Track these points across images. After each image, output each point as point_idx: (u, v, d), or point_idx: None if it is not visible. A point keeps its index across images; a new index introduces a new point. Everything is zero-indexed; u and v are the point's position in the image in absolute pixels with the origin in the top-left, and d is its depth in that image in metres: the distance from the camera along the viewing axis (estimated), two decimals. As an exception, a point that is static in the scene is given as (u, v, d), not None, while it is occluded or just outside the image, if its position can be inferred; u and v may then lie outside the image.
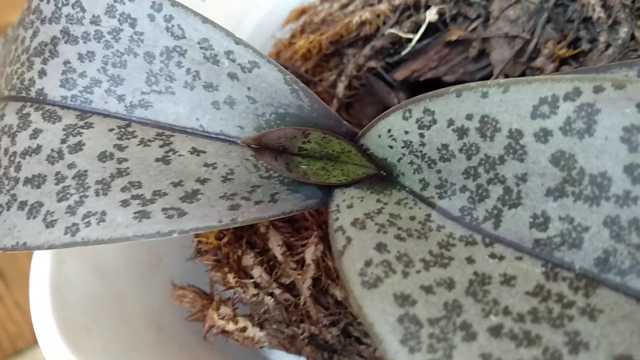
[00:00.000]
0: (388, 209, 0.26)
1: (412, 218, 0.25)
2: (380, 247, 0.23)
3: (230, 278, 0.33)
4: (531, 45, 0.34)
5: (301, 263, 0.34)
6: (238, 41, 0.28)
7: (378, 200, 0.27)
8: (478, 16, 0.36)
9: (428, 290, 0.21)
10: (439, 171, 0.25)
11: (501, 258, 0.22)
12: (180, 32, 0.28)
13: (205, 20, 0.28)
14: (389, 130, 0.27)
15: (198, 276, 0.37)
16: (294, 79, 0.28)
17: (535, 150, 0.21)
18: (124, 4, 0.29)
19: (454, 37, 0.36)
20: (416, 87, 0.41)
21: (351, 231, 0.24)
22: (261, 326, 0.33)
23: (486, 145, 0.23)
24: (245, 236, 0.35)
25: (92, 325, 0.32)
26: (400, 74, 0.39)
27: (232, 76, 0.29)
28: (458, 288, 0.21)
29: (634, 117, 0.19)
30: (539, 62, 0.34)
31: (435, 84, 0.39)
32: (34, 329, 0.30)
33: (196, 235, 0.35)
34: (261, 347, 0.32)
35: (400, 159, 0.27)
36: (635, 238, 0.19)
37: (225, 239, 0.34)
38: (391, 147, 0.27)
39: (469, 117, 0.23)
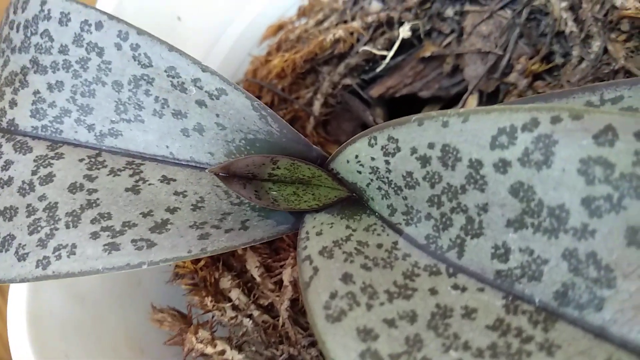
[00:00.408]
0: (357, 235, 0.26)
1: (380, 246, 0.25)
2: (346, 278, 0.23)
3: (208, 301, 0.33)
4: (504, 61, 0.34)
5: (279, 284, 0.34)
6: (204, 69, 0.28)
7: (347, 227, 0.27)
8: (452, 31, 0.36)
9: (391, 323, 0.21)
10: (405, 198, 0.25)
11: (464, 289, 0.22)
12: (147, 61, 0.28)
13: (171, 48, 0.28)
14: (357, 156, 0.27)
15: (178, 297, 0.37)
16: (261, 105, 0.28)
17: (495, 181, 0.21)
18: (91, 33, 0.29)
19: (427, 53, 0.36)
20: (392, 103, 0.41)
21: (318, 261, 0.24)
22: (240, 349, 0.33)
23: (448, 175, 0.23)
24: (222, 259, 0.35)
25: (70, 350, 0.32)
26: (375, 91, 0.39)
27: (200, 103, 0.29)
28: (420, 321, 0.21)
29: (591, 149, 0.19)
30: (512, 77, 0.34)
31: (411, 99, 0.39)
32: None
33: (174, 258, 0.35)
34: (240, 370, 0.33)
35: (369, 184, 0.27)
36: (592, 272, 0.19)
37: (202, 263, 0.34)
38: (360, 172, 0.27)
39: (431, 145, 0.23)
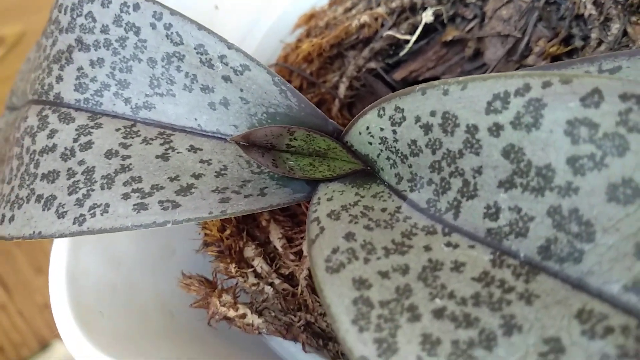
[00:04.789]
0: (364, 201, 0.27)
1: (384, 210, 0.26)
2: (349, 236, 0.24)
3: (232, 268, 0.35)
4: (523, 44, 0.35)
5: (299, 254, 0.36)
6: (230, 46, 0.30)
7: (357, 194, 0.28)
8: (474, 17, 0.37)
9: (384, 275, 0.22)
10: (410, 165, 0.27)
11: (456, 246, 0.23)
12: (178, 39, 0.31)
13: (200, 27, 0.30)
14: (367, 128, 0.28)
15: (207, 269, 0.39)
16: (282, 81, 0.30)
17: (489, 144, 0.22)
18: (129, 13, 0.31)
19: (449, 37, 0.37)
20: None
21: (325, 222, 0.26)
22: (260, 313, 0.34)
23: (448, 140, 0.24)
24: (247, 229, 0.37)
25: (105, 309, 0.34)
26: (399, 74, 0.40)
27: (226, 79, 0.31)
28: (411, 273, 0.22)
29: (577, 111, 0.20)
30: (530, 59, 0.34)
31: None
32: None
33: (203, 228, 0.37)
34: (259, 334, 0.34)
35: (379, 154, 0.29)
36: (574, 227, 0.20)
37: (228, 232, 0.36)
38: (370, 143, 0.29)
39: (433, 113, 0.24)
